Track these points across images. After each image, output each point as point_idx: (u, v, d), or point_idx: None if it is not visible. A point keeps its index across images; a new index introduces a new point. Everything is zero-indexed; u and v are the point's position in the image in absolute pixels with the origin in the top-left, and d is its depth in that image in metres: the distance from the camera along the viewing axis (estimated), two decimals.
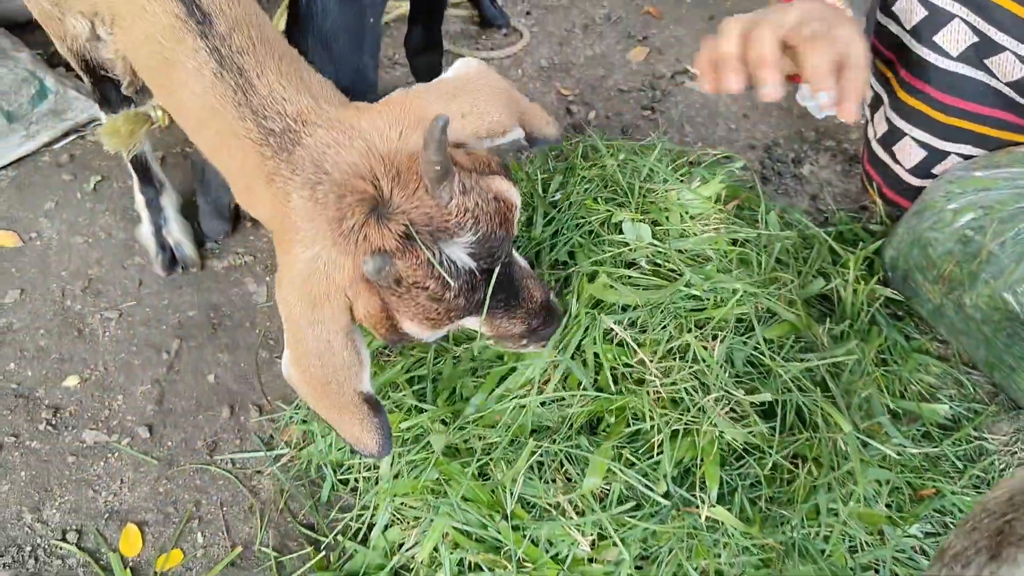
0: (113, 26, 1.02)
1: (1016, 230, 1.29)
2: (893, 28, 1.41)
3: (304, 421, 1.30)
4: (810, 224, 1.48)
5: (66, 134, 1.73)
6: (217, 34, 0.93)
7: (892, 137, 1.51)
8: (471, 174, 0.94)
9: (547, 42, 2.10)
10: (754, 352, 1.15)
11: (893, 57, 1.45)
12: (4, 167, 1.66)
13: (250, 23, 0.97)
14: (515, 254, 1.02)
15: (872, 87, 1.54)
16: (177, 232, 1.50)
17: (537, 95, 1.94)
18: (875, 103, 1.56)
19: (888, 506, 1.18)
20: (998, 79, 1.33)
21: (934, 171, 1.49)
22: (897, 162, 1.52)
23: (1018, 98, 1.34)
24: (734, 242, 1.27)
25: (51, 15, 1.15)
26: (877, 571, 1.14)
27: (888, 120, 1.51)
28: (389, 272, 0.88)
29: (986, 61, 1.32)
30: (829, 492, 1.09)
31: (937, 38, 1.34)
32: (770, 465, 1.07)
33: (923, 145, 1.46)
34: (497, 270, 0.96)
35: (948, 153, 1.46)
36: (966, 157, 1.46)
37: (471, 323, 1.01)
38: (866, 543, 1.11)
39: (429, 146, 0.84)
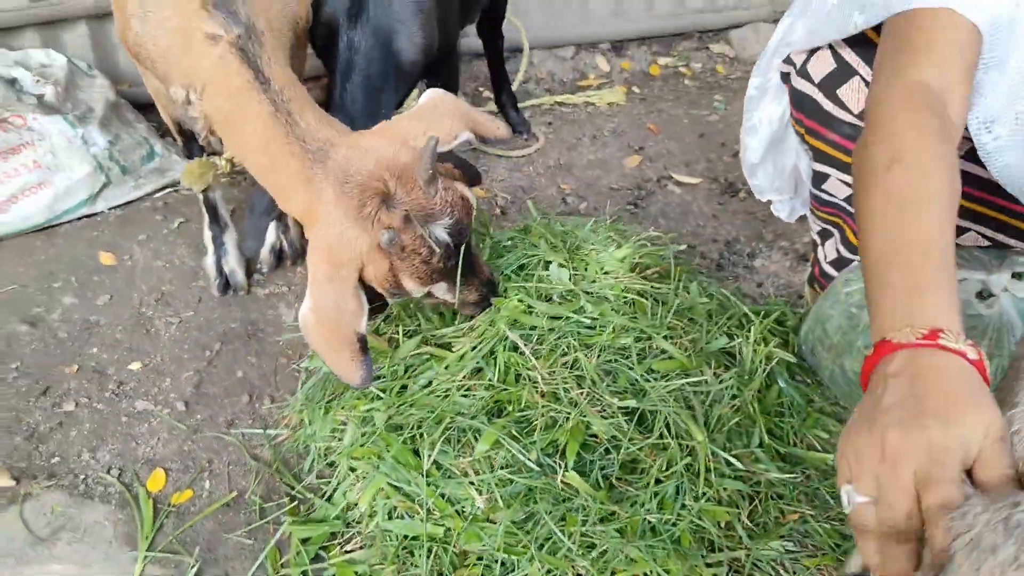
0: (203, 93, 1.45)
1: None
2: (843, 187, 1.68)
3: (301, 410, 1.66)
4: (729, 295, 1.79)
5: (164, 187, 2.22)
6: (274, 90, 1.36)
7: (842, 263, 1.80)
8: (446, 180, 1.37)
9: (559, 147, 2.51)
10: (636, 374, 1.47)
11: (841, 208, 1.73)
12: (114, 207, 2.15)
13: (293, 84, 1.40)
14: (472, 242, 1.45)
15: (820, 223, 1.82)
16: (233, 263, 1.93)
17: (541, 188, 2.34)
18: (825, 234, 1.84)
19: (753, 520, 1.44)
20: None
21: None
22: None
23: None
24: (640, 294, 1.60)
25: (160, 90, 1.62)
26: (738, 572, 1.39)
27: (838, 251, 1.79)
28: (397, 243, 1.32)
29: None
30: (680, 488, 1.38)
31: None
32: (624, 450, 1.37)
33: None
34: (463, 248, 1.39)
35: None
36: None
37: (441, 289, 1.43)
38: (723, 543, 1.38)
39: (424, 158, 1.29)
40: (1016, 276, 1.56)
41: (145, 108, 2.41)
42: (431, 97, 1.47)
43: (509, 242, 1.71)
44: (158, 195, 2.23)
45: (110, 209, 2.16)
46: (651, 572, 1.29)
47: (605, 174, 2.40)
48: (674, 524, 1.37)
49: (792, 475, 1.53)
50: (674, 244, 1.88)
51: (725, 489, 1.43)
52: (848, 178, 1.58)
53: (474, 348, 1.48)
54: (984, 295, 1.56)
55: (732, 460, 1.46)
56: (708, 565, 1.35)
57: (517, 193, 2.34)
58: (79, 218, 2.12)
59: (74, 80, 2.24)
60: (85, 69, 2.32)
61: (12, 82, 2.11)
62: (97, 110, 2.18)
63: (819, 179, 1.66)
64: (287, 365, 1.81)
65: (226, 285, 1.94)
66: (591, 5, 3.04)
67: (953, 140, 1.10)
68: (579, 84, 2.95)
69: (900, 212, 1.00)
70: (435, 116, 1.43)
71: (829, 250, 1.81)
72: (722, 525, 1.41)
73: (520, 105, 2.66)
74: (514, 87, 2.74)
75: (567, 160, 2.46)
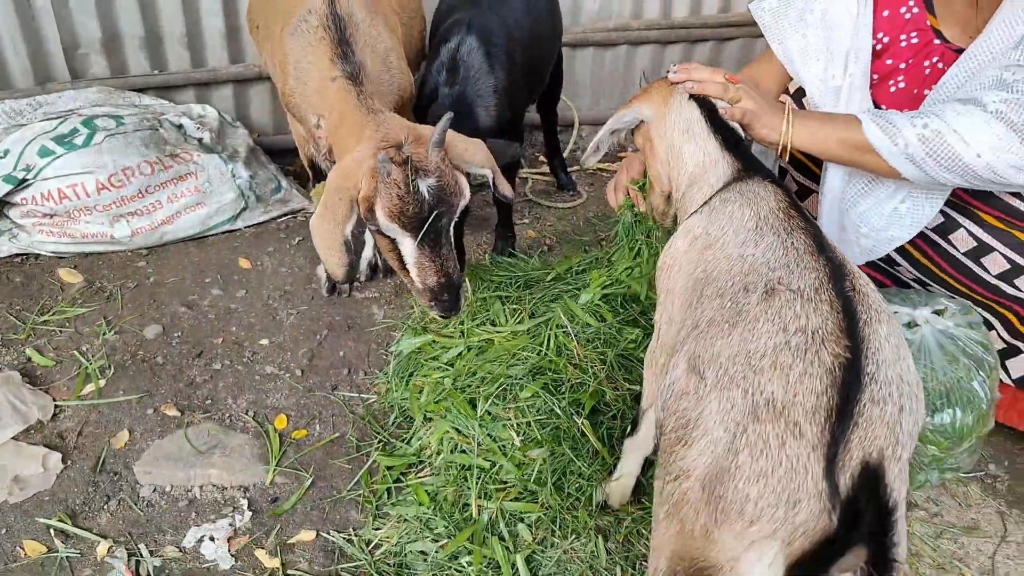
0: (326, 118, 2.00)
1: None
2: None
3: (388, 381, 2.19)
4: None
5: (287, 213, 2.81)
6: (365, 91, 1.88)
7: None
8: (450, 163, 1.77)
9: (597, 201, 3.06)
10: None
11: None
12: (250, 225, 2.74)
13: (382, 96, 1.92)
14: (451, 239, 1.79)
15: None
16: None
17: (581, 233, 2.88)
18: None
19: None
20: None
21: None
22: None
23: None
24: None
25: (300, 133, 2.20)
26: None
27: None
28: (387, 168, 1.67)
29: None
30: None
31: None
32: (628, 419, 1.87)
33: None
34: (436, 217, 1.71)
35: None
36: None
37: (407, 245, 1.76)
38: None
39: (438, 128, 1.71)
40: (936, 312, 2.04)
41: (274, 154, 3.02)
42: (477, 140, 1.91)
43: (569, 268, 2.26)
44: (282, 219, 2.82)
45: (247, 227, 2.75)
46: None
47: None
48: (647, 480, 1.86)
49: None
50: None
51: None
52: None
53: (529, 329, 2.01)
54: (910, 325, 2.04)
55: None
56: None
57: (563, 236, 2.88)
58: (224, 232, 2.72)
59: (223, 129, 2.85)
60: (230, 121, 2.94)
61: (179, 127, 2.73)
62: (241, 152, 2.79)
63: None
64: (377, 349, 2.35)
65: (332, 288, 2.50)
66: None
67: None
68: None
69: None
70: (471, 144, 1.87)
71: None
72: None
73: (569, 168, 3.23)
74: (565, 154, 3.31)
75: (605, 213, 3.01)
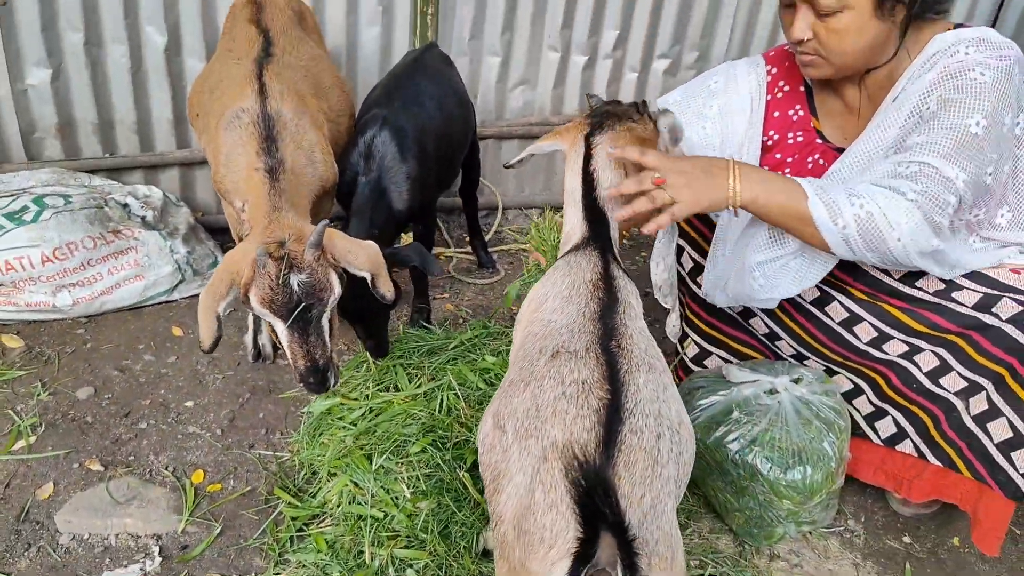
0: (247, 205, 2.20)
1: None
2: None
3: (299, 440, 2.37)
4: None
5: None
6: (276, 188, 2.08)
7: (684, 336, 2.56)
8: (328, 263, 1.95)
9: (514, 278, 3.30)
10: None
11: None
12: (185, 297, 2.94)
13: (298, 199, 2.15)
14: (325, 331, 1.97)
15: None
16: (264, 338, 2.69)
17: (494, 308, 3.11)
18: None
19: None
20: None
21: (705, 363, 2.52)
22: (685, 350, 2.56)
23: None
24: None
25: (231, 214, 2.43)
26: None
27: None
28: (263, 261, 1.86)
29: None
30: None
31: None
32: None
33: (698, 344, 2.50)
34: (304, 309, 1.89)
35: (710, 352, 2.50)
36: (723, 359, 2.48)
37: (280, 327, 1.94)
38: None
39: (318, 232, 1.90)
40: (794, 380, 2.28)
41: (216, 231, 3.24)
42: (365, 242, 2.08)
43: (470, 337, 2.47)
44: None
45: (183, 298, 2.95)
46: None
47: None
48: None
49: None
50: None
51: None
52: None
53: (425, 392, 2.22)
54: (772, 392, 2.27)
55: None
56: None
57: (478, 311, 3.11)
58: (161, 302, 2.92)
59: (167, 208, 3.08)
60: (175, 200, 3.17)
61: (125, 206, 2.95)
62: (181, 229, 3.01)
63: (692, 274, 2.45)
64: (294, 411, 2.53)
65: (257, 355, 2.70)
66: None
67: None
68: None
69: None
70: (355, 246, 2.05)
71: (691, 348, 2.55)
72: None
73: (491, 249, 3.48)
74: (488, 236, 3.57)
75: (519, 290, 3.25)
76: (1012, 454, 1.94)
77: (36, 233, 2.66)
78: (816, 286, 2.18)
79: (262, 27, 2.51)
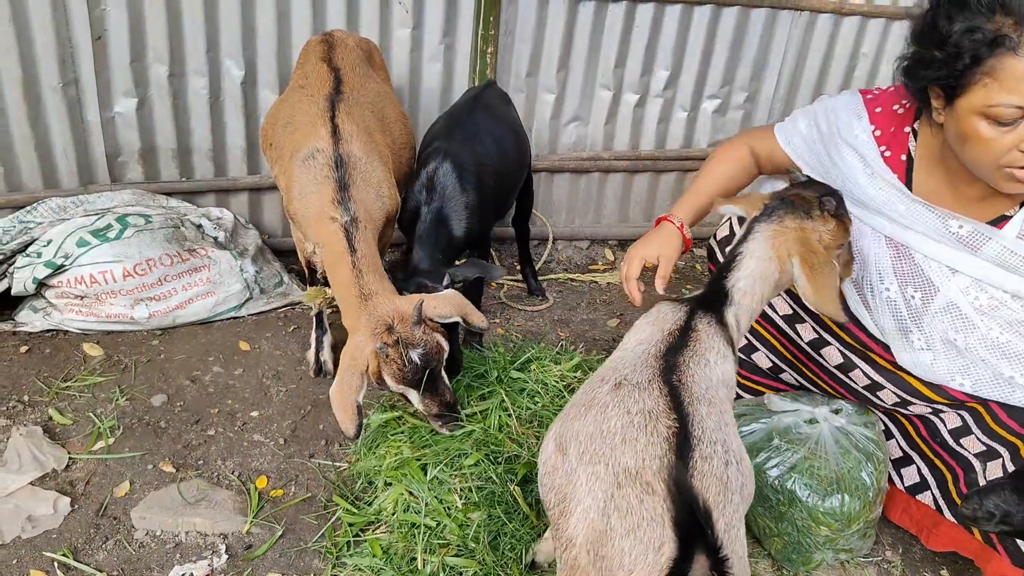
0: (321, 249, 2.39)
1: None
2: None
3: (357, 451, 2.49)
4: None
5: (286, 305, 3.17)
6: (357, 257, 2.28)
7: None
8: (432, 330, 2.19)
9: (562, 307, 3.41)
10: None
11: None
12: (252, 313, 3.10)
13: (372, 255, 2.32)
14: (443, 375, 2.22)
15: None
16: (326, 355, 2.83)
17: (546, 333, 3.21)
18: None
19: None
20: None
21: None
22: None
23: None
24: None
25: (300, 239, 2.59)
26: None
27: None
28: (385, 352, 2.12)
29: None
30: None
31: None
32: None
33: None
34: (429, 371, 2.15)
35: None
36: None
37: (413, 396, 2.21)
38: None
39: (415, 310, 2.12)
40: (834, 411, 2.34)
41: (280, 253, 3.41)
42: (446, 292, 2.33)
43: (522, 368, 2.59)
44: (282, 309, 3.19)
45: (250, 315, 3.11)
46: None
47: (592, 329, 3.28)
48: None
49: None
50: None
51: None
52: None
53: (479, 409, 2.33)
54: (812, 421, 2.34)
55: None
56: None
57: (528, 335, 3.22)
58: (229, 318, 3.08)
59: (237, 229, 3.25)
60: (244, 223, 3.34)
61: (199, 226, 3.13)
62: (250, 250, 3.18)
63: None
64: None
65: (319, 370, 2.83)
66: (604, 212, 4.03)
67: (747, 166, 2.29)
68: (590, 268, 3.88)
69: (700, 178, 2.22)
70: (440, 301, 2.27)
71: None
72: None
73: (541, 277, 3.60)
74: (538, 265, 3.69)
75: (567, 317, 3.36)
76: None
77: (119, 249, 2.84)
78: (838, 350, 2.26)
79: (333, 65, 2.68)
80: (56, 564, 2.09)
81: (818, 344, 2.34)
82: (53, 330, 2.92)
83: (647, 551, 1.36)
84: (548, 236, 3.86)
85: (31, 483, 2.29)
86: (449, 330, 2.34)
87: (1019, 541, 2.01)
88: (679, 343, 1.68)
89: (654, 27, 3.60)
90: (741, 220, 1.90)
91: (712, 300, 1.78)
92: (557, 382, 2.46)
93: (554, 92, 3.66)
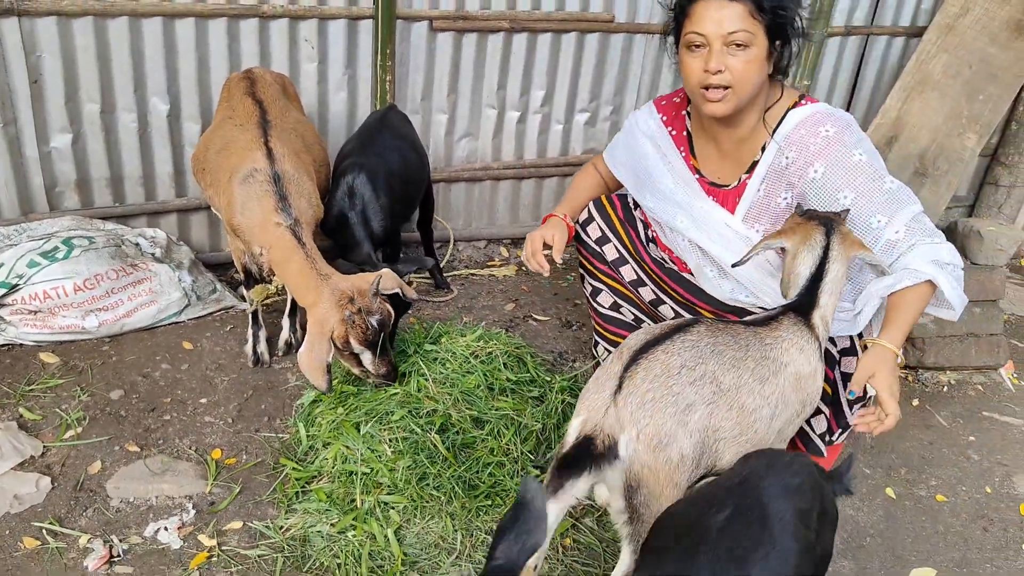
0: (269, 250, 2.79)
1: None
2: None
3: (296, 423, 2.89)
4: (540, 369, 3.08)
5: (220, 309, 3.55)
6: (307, 249, 2.70)
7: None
8: (382, 302, 2.64)
9: (465, 297, 3.89)
10: (482, 402, 2.75)
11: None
12: (191, 318, 3.46)
13: (315, 247, 2.74)
14: (387, 340, 2.68)
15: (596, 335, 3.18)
16: (262, 347, 3.23)
17: (452, 319, 3.68)
18: (599, 338, 3.19)
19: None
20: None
21: None
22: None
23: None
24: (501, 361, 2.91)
25: (239, 248, 2.99)
26: None
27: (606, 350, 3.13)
28: (352, 318, 2.55)
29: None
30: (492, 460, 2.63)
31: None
32: (467, 434, 2.63)
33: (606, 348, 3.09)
34: (383, 336, 2.62)
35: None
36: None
37: (367, 357, 2.64)
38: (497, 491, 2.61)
39: (374, 283, 2.58)
40: None
41: (209, 266, 3.78)
42: (385, 270, 2.77)
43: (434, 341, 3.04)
44: (217, 313, 3.56)
45: (190, 319, 3.47)
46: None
47: (492, 312, 3.77)
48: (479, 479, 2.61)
49: None
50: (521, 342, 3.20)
51: (518, 461, 2.68)
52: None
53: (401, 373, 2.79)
54: None
55: (530, 454, 2.72)
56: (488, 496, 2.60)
57: (437, 321, 3.68)
58: (171, 323, 3.44)
59: (170, 246, 3.61)
60: (175, 240, 3.70)
61: (137, 244, 3.48)
62: (185, 263, 3.54)
63: (594, 294, 3.04)
64: (290, 403, 3.06)
65: (256, 360, 3.23)
66: (497, 215, 4.53)
67: (600, 182, 2.97)
68: (488, 264, 4.37)
69: (573, 188, 2.85)
70: (388, 277, 2.73)
71: (601, 350, 3.15)
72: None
73: (445, 274, 4.07)
74: (443, 263, 4.16)
75: (470, 305, 3.84)
76: (811, 421, 2.57)
77: (70, 267, 3.17)
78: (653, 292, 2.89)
79: (256, 98, 3.09)
80: (44, 532, 2.43)
81: (656, 302, 2.91)
82: (7, 344, 3.21)
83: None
84: (450, 238, 4.33)
85: (13, 469, 2.61)
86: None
87: (813, 436, 2.57)
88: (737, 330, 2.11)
89: (528, 54, 4.13)
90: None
91: (802, 305, 2.15)
92: (463, 351, 2.93)
93: (446, 112, 4.14)
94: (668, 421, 1.86)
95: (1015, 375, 3.83)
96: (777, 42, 2.33)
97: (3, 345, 3.21)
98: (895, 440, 3.29)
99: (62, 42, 3.32)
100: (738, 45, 2.26)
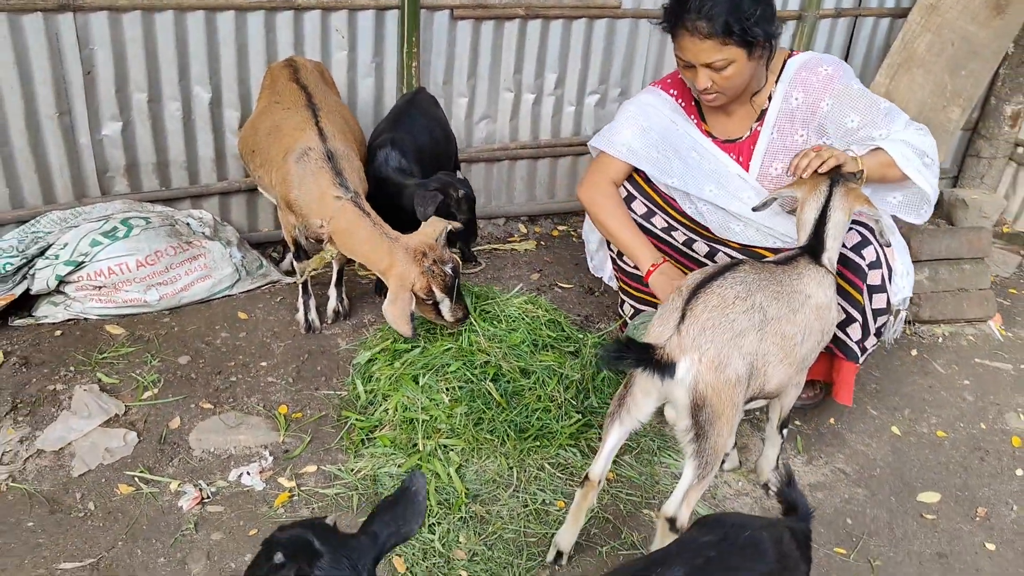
0: (330, 222, 3.02)
1: None
2: None
3: (353, 381, 3.13)
4: (579, 330, 3.34)
5: (267, 283, 3.78)
6: (373, 218, 2.95)
7: (635, 313, 3.40)
8: (449, 252, 2.89)
9: (492, 269, 4.15)
10: (528, 355, 3.00)
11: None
12: (242, 291, 3.69)
13: (376, 215, 2.99)
14: (460, 288, 2.92)
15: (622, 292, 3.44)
16: (313, 314, 3.46)
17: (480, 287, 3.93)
18: (623, 294, 3.45)
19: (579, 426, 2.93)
20: None
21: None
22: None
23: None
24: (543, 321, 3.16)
25: (291, 222, 3.22)
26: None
27: (632, 307, 3.39)
28: (432, 271, 2.81)
29: None
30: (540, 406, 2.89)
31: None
32: (516, 383, 2.89)
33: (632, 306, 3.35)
34: (456, 285, 2.87)
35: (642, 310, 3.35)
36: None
37: (446, 304, 2.88)
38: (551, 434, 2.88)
39: (441, 238, 2.87)
40: None
41: (254, 245, 4.01)
42: (431, 219, 3.02)
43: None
44: (265, 287, 3.79)
45: (241, 292, 3.70)
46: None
47: (519, 282, 4.03)
48: (529, 422, 2.87)
49: (602, 407, 3.04)
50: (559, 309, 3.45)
51: (562, 407, 2.94)
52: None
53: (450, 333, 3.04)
54: None
55: (572, 401, 2.98)
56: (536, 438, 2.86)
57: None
58: (224, 296, 3.66)
59: (216, 226, 3.84)
60: (219, 221, 3.93)
61: (188, 224, 3.70)
62: (233, 241, 3.77)
63: (620, 254, 3.29)
64: (344, 365, 3.30)
65: (308, 327, 3.47)
66: (515, 193, 4.79)
67: (621, 202, 3.01)
68: (508, 240, 4.63)
69: (620, 228, 2.89)
70: (433, 223, 2.98)
71: (627, 308, 3.41)
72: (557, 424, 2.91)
73: (473, 248, 4.33)
74: None
75: (497, 276, 4.09)
76: (847, 329, 2.84)
77: (131, 245, 3.39)
78: (686, 236, 3.10)
79: (301, 84, 3.33)
80: (137, 479, 2.66)
81: (689, 242, 3.16)
82: (72, 319, 3.43)
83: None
84: None
85: (100, 425, 2.84)
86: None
87: (848, 341, 2.84)
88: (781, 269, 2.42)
89: (542, 39, 4.38)
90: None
91: (815, 248, 2.49)
92: (515, 311, 3.18)
93: (466, 96, 4.39)
94: (725, 346, 2.13)
95: (1003, 327, 4.13)
96: (756, 45, 2.64)
97: (68, 320, 3.42)
98: (897, 385, 3.58)
99: (112, 35, 3.54)
100: (718, 68, 2.63)
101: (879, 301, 2.80)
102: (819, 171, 2.51)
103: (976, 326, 4.09)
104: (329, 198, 2.98)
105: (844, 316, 2.79)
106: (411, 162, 3.41)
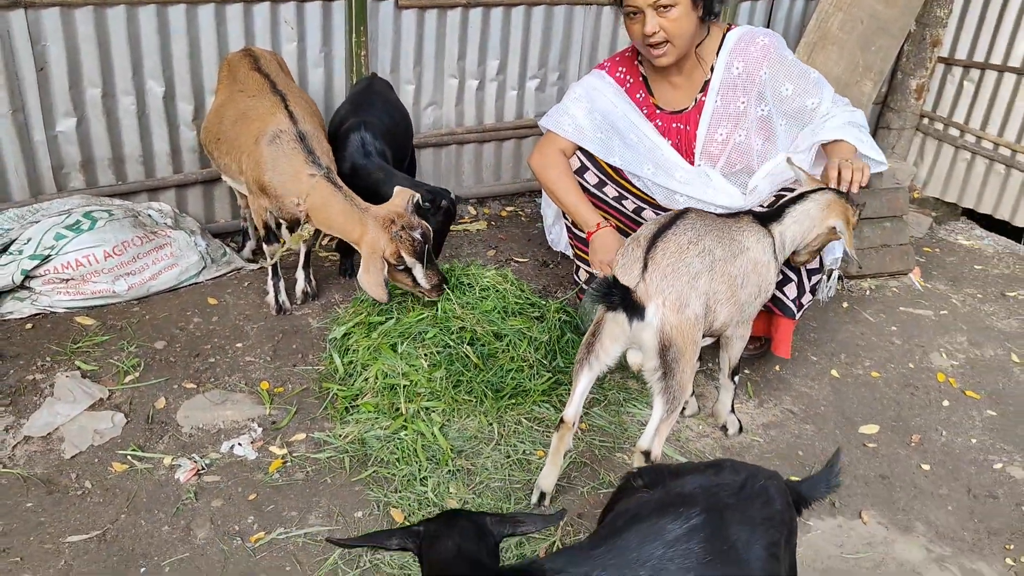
0: (306, 199, 3.14)
1: None
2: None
3: (329, 355, 3.25)
4: (544, 300, 3.54)
5: (231, 271, 3.86)
6: (344, 191, 3.06)
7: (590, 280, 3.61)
8: (417, 218, 3.02)
9: (449, 247, 4.30)
10: (500, 320, 3.18)
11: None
12: (208, 279, 3.76)
13: (347, 188, 3.12)
14: (432, 255, 3.07)
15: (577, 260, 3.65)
16: (283, 296, 3.57)
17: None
18: (578, 260, 3.66)
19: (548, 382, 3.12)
20: None
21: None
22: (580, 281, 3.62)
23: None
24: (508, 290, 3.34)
25: (262, 206, 3.32)
26: None
27: (588, 273, 3.59)
28: (399, 235, 2.93)
29: None
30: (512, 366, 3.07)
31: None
32: (490, 346, 3.06)
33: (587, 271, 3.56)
34: (427, 248, 3.00)
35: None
36: None
37: (419, 270, 3.00)
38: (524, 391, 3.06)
39: (408, 206, 2.98)
40: None
41: (215, 235, 4.07)
42: (398, 188, 3.17)
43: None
44: (230, 273, 3.86)
45: (207, 279, 3.77)
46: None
47: (477, 258, 4.20)
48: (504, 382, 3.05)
49: (568, 366, 3.24)
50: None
51: (534, 367, 3.13)
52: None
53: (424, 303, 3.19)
54: None
55: (543, 360, 3.16)
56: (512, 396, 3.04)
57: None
58: (192, 284, 3.73)
59: (176, 217, 3.89)
60: (179, 212, 3.98)
61: (150, 215, 3.75)
62: (196, 230, 3.84)
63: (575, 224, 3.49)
64: (317, 343, 3.41)
65: (279, 308, 3.57)
66: (463, 177, 4.95)
67: (568, 170, 3.20)
68: (460, 221, 4.79)
69: (567, 192, 3.11)
70: (401, 195, 3.12)
71: (582, 274, 3.62)
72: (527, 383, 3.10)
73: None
74: None
75: (455, 253, 4.25)
76: (784, 288, 3.11)
77: (98, 236, 3.43)
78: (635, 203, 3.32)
79: (263, 72, 3.43)
80: (129, 457, 2.74)
81: (639, 210, 3.38)
82: (39, 313, 3.45)
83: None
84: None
85: (86, 410, 2.90)
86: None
87: (785, 299, 3.10)
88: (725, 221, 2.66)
89: (483, 27, 4.56)
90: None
91: (767, 215, 2.70)
92: (487, 281, 3.34)
93: (413, 83, 4.53)
94: (684, 288, 2.35)
95: (922, 279, 4.50)
96: None
97: (36, 314, 3.44)
98: (833, 333, 3.88)
99: (65, 31, 3.56)
100: (664, 7, 2.81)
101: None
102: (853, 183, 2.71)
103: (899, 279, 4.45)
104: (304, 176, 3.10)
105: (781, 276, 3.05)
106: (384, 144, 3.55)
